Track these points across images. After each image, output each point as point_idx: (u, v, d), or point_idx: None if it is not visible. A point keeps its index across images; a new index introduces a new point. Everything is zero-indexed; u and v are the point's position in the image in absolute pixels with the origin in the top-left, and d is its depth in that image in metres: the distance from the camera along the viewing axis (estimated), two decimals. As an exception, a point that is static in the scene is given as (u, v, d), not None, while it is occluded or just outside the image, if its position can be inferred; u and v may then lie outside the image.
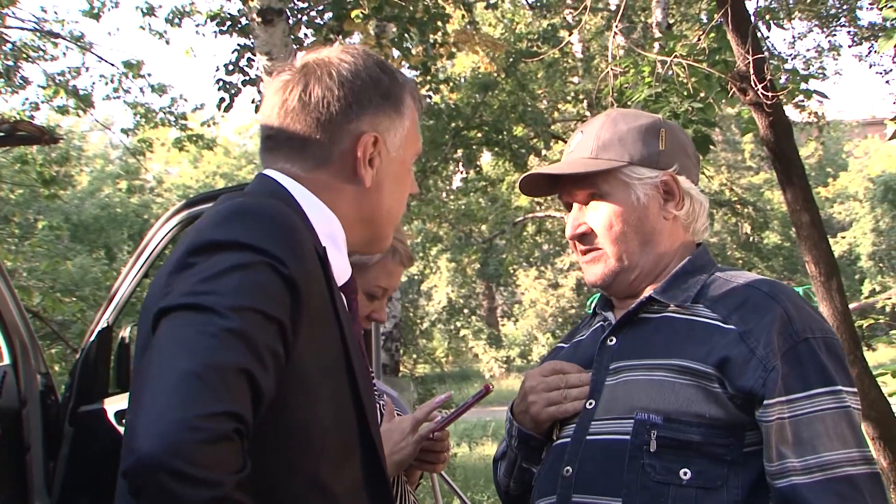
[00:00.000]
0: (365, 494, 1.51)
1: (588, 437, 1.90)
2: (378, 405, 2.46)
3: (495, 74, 16.93)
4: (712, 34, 6.74)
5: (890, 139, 6.24)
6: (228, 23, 11.90)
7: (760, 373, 1.79)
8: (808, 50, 21.72)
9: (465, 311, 30.13)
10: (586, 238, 2.03)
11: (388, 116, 1.66)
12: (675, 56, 6.49)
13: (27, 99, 15.08)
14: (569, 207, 2.08)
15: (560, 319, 29.70)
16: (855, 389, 1.86)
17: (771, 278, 2.05)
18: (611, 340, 2.00)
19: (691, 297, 1.95)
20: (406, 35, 11.90)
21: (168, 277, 1.38)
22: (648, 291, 2.00)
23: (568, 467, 1.90)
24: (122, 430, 1.46)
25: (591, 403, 1.94)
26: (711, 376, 1.81)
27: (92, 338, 4.78)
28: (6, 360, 4.62)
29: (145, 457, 1.15)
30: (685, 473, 1.78)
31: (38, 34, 14.43)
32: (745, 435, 1.82)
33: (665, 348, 1.89)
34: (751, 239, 26.07)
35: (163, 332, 1.28)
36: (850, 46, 20.81)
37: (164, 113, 15.80)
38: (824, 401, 1.80)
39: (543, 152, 18.01)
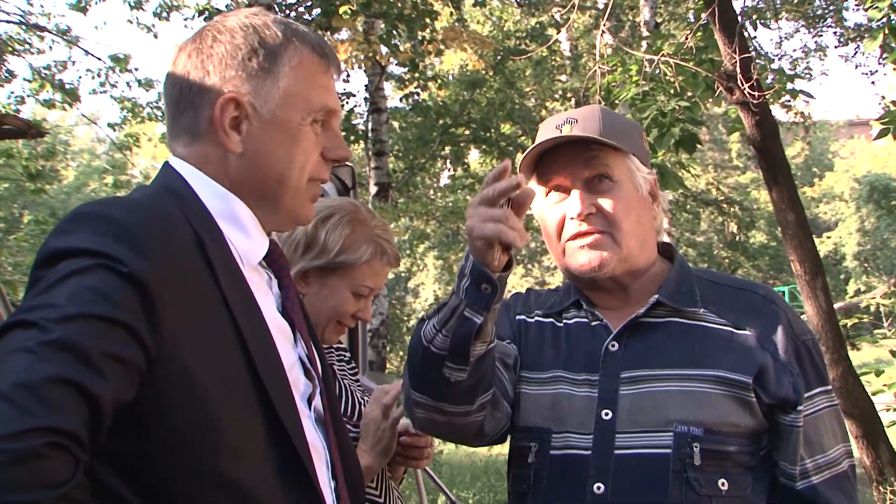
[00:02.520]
0: (278, 484, 1.45)
1: (617, 452, 1.82)
2: (363, 401, 2.46)
3: (483, 72, 16.94)
4: (699, 33, 6.77)
5: (875, 139, 6.27)
6: (217, 18, 11.87)
7: (789, 379, 1.84)
8: (794, 50, 21.93)
9: (452, 308, 30.09)
10: (592, 219, 1.92)
11: (254, 76, 1.55)
12: (663, 55, 6.51)
13: (13, 92, 15.04)
14: (563, 191, 1.95)
15: (547, 317, 29.69)
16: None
17: (747, 279, 2.07)
18: (613, 346, 1.91)
19: (699, 301, 1.92)
20: (394, 32, 11.90)
21: (25, 295, 1.35)
22: (649, 295, 1.94)
23: (599, 484, 1.81)
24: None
25: (607, 414, 1.84)
26: (748, 386, 1.82)
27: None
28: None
29: None
30: (723, 484, 1.79)
31: (23, 27, 14.36)
32: (762, 439, 1.86)
33: (689, 357, 1.85)
34: (737, 238, 26.14)
35: None
36: (836, 47, 20.95)
37: (152, 108, 15.75)
38: (821, 400, 1.89)
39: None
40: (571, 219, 1.93)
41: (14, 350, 1.22)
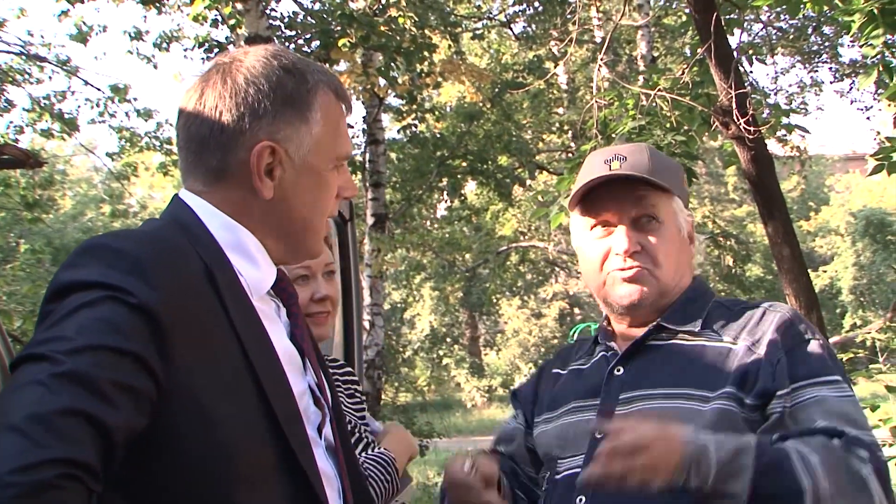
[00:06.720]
0: None
1: None
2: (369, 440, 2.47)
3: (481, 104, 17.02)
4: (696, 68, 6.81)
5: (871, 174, 6.30)
6: (216, 49, 11.95)
7: (769, 369, 1.86)
8: (790, 85, 21.93)
9: (448, 339, 30.02)
10: (636, 256, 2.01)
11: (289, 123, 1.56)
12: (659, 89, 6.55)
13: (11, 122, 15.08)
14: (609, 226, 2.04)
15: (542, 349, 29.62)
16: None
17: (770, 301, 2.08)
18: (618, 370, 2.01)
19: (700, 322, 2.00)
20: (393, 64, 11.97)
21: (35, 329, 1.36)
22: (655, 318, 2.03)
23: (581, 496, 1.89)
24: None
25: (600, 434, 1.91)
26: (731, 396, 1.85)
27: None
28: (-14, 384, 4.59)
29: None
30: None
31: (23, 58, 14.42)
32: None
33: (680, 377, 1.91)
34: (733, 271, 26.14)
35: (4, 388, 1.27)
36: (831, 82, 21.05)
37: (150, 137, 15.78)
38: (809, 391, 1.84)
39: (528, 182, 18.10)
40: (617, 254, 2.02)
41: (26, 383, 1.23)
